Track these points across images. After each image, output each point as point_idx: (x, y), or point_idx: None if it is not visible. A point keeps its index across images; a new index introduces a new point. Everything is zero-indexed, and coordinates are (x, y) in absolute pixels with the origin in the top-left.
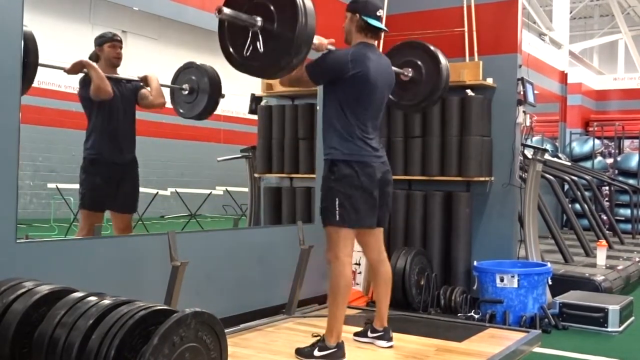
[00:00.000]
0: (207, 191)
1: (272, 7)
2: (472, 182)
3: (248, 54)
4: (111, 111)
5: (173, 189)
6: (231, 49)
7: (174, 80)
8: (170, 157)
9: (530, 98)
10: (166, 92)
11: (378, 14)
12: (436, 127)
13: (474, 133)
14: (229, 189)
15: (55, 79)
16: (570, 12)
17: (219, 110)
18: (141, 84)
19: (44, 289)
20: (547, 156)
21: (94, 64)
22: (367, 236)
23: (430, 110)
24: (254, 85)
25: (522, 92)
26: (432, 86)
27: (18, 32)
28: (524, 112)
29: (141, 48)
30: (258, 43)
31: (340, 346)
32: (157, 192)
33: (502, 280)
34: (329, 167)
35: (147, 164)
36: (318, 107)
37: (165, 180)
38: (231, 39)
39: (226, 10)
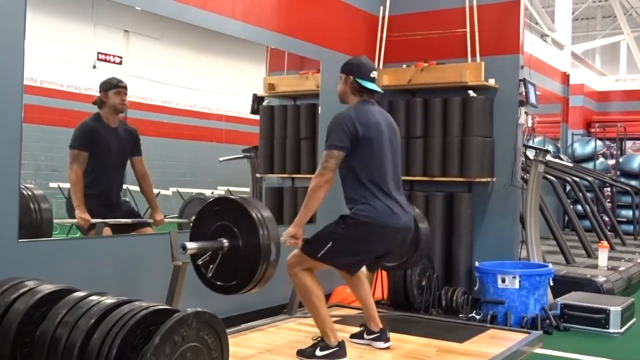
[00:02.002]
0: (209, 191)
1: (234, 228)
2: (474, 183)
3: (227, 274)
4: (107, 158)
5: (175, 189)
6: (210, 277)
7: (181, 214)
8: (172, 156)
9: (532, 99)
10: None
11: (372, 75)
12: (438, 127)
13: (476, 134)
14: (231, 189)
15: (57, 78)
16: (573, 13)
17: (220, 110)
18: (139, 147)
19: (46, 288)
20: (548, 157)
21: (79, 200)
22: None
23: (432, 110)
24: (256, 85)
25: (524, 93)
26: (414, 244)
27: (20, 33)
28: (525, 113)
29: (143, 48)
30: (232, 261)
31: (341, 345)
32: (159, 192)
33: (503, 281)
34: (345, 219)
35: (149, 164)
36: (320, 108)
37: (166, 180)
38: (206, 268)
39: (190, 245)
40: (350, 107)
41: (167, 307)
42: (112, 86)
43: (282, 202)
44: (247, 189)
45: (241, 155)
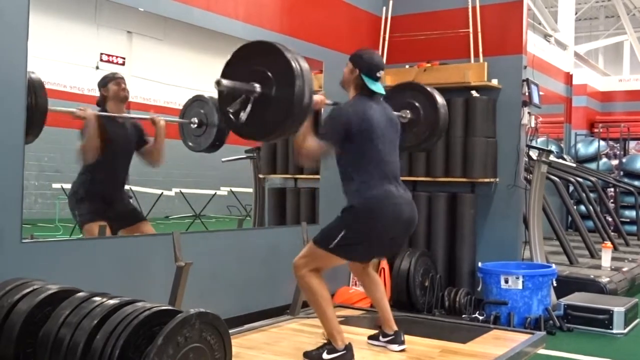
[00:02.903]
0: (212, 192)
1: (269, 73)
2: (477, 184)
3: (249, 119)
4: (111, 155)
5: (178, 190)
6: (232, 117)
7: (182, 114)
8: (175, 157)
9: (536, 99)
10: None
11: (378, 75)
12: None
13: (479, 134)
14: (234, 189)
15: (60, 79)
16: (576, 13)
17: None
18: (147, 137)
19: (49, 288)
20: (552, 157)
21: (94, 124)
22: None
23: None
24: None
25: (527, 94)
26: (430, 127)
27: (24, 37)
28: (529, 113)
29: (146, 49)
30: (258, 109)
31: (348, 348)
32: (162, 193)
33: (506, 281)
34: (349, 208)
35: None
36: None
37: (169, 180)
38: (236, 116)
39: (224, 82)
40: (350, 101)
41: (170, 307)
42: (110, 79)
43: (285, 203)
44: (250, 190)
45: (244, 156)
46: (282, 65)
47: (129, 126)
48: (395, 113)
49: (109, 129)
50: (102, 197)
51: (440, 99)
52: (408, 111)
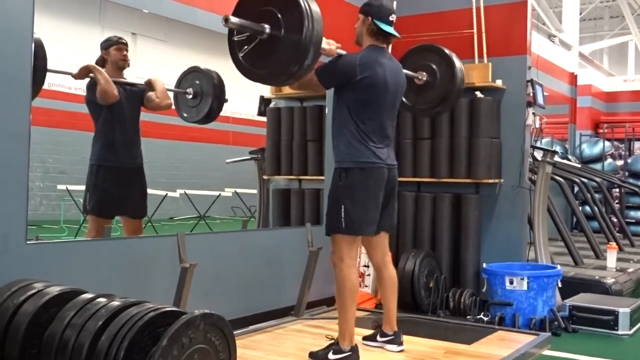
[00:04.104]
0: (216, 193)
1: (278, 14)
2: (481, 184)
3: (257, 61)
4: (118, 115)
5: (182, 191)
6: (241, 58)
7: (178, 84)
8: (179, 158)
9: (540, 100)
10: (171, 95)
11: (391, 18)
12: (445, 129)
13: (483, 135)
14: (238, 190)
15: (64, 81)
16: (580, 14)
17: (227, 112)
18: (146, 87)
19: (54, 290)
20: (556, 158)
21: (100, 68)
22: (371, 240)
23: None
24: (263, 87)
25: (531, 94)
26: (446, 90)
27: (28, 39)
28: (533, 113)
29: (150, 50)
30: (267, 50)
31: (354, 349)
32: (167, 194)
33: (511, 282)
34: (339, 174)
35: (156, 166)
36: (327, 110)
37: (174, 182)
38: (240, 47)
39: (233, 19)
40: (360, 51)
41: (174, 309)
42: (113, 43)
43: (289, 204)
44: (254, 191)
45: (248, 157)
46: (291, 6)
47: (127, 88)
48: (411, 74)
49: None
50: (113, 162)
51: (458, 63)
52: (424, 73)
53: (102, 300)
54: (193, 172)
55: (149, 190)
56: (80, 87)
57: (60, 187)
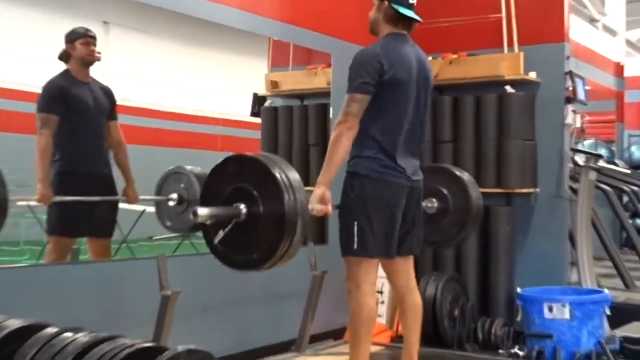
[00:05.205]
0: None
1: (253, 191)
2: (514, 195)
3: (238, 246)
4: (84, 119)
5: None
6: (217, 244)
7: (159, 190)
8: (159, 168)
9: (581, 95)
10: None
11: (411, 1)
12: (469, 130)
13: (515, 137)
14: None
15: (24, 78)
16: None
17: (215, 113)
18: (115, 111)
19: (13, 323)
20: (601, 163)
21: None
22: (393, 263)
23: (463, 109)
24: (257, 83)
25: (571, 88)
26: (462, 216)
27: None
28: (573, 111)
29: (125, 41)
30: (247, 231)
31: None
32: (145, 210)
33: (551, 310)
34: (350, 180)
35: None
36: (331, 109)
37: (152, 195)
38: (215, 232)
39: (202, 211)
40: (377, 41)
41: (154, 345)
42: (79, 35)
43: None
44: None
45: None
46: (266, 180)
47: (95, 89)
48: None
49: (73, 96)
50: (74, 174)
51: (467, 177)
52: (434, 199)
53: (68, 335)
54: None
55: (126, 206)
56: (41, 84)
57: (21, 202)
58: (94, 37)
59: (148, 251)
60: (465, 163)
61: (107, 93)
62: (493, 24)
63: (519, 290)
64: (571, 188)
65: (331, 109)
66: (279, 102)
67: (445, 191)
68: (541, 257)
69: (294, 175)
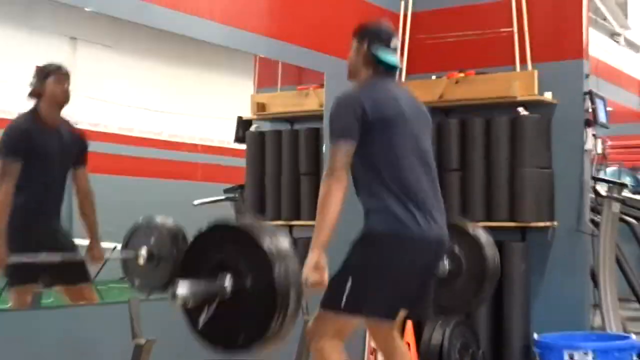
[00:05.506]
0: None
1: (238, 264)
2: (529, 229)
3: (223, 324)
4: (44, 168)
5: None
6: (202, 329)
7: (125, 245)
8: (132, 200)
9: (602, 117)
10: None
11: (392, 45)
12: (479, 156)
13: (529, 164)
14: None
15: None
16: None
17: (195, 139)
18: (85, 156)
19: None
20: (625, 193)
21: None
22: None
23: (471, 134)
24: (241, 105)
25: (590, 110)
26: (477, 277)
27: None
28: (594, 135)
29: (93, 58)
30: (234, 309)
31: None
32: (115, 247)
33: (572, 358)
34: (361, 238)
35: (102, 210)
36: (324, 133)
37: (124, 231)
38: (198, 314)
39: (182, 292)
40: (357, 84)
41: None
42: (50, 72)
43: None
44: None
45: (222, 197)
46: (251, 251)
47: (64, 133)
48: None
49: (37, 143)
50: (30, 228)
51: (487, 242)
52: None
53: None
54: None
55: (84, 242)
56: (2, 108)
57: None
58: (67, 75)
59: (119, 294)
60: (475, 194)
61: (78, 138)
62: (504, 39)
63: (535, 336)
64: (592, 221)
65: (324, 133)
66: (267, 126)
67: (457, 250)
68: (560, 299)
69: (283, 243)
